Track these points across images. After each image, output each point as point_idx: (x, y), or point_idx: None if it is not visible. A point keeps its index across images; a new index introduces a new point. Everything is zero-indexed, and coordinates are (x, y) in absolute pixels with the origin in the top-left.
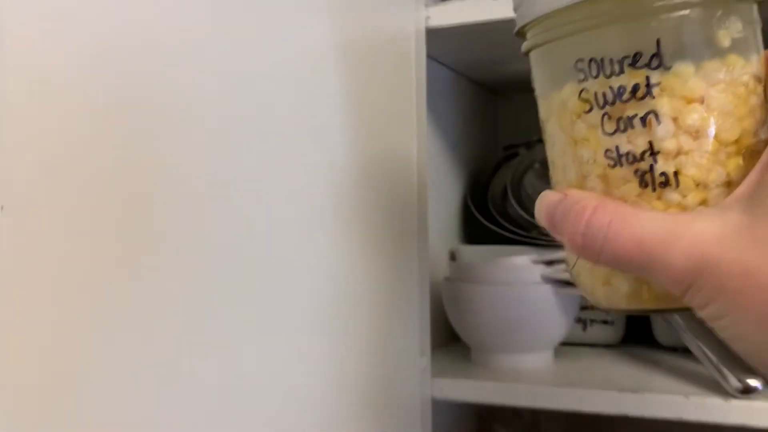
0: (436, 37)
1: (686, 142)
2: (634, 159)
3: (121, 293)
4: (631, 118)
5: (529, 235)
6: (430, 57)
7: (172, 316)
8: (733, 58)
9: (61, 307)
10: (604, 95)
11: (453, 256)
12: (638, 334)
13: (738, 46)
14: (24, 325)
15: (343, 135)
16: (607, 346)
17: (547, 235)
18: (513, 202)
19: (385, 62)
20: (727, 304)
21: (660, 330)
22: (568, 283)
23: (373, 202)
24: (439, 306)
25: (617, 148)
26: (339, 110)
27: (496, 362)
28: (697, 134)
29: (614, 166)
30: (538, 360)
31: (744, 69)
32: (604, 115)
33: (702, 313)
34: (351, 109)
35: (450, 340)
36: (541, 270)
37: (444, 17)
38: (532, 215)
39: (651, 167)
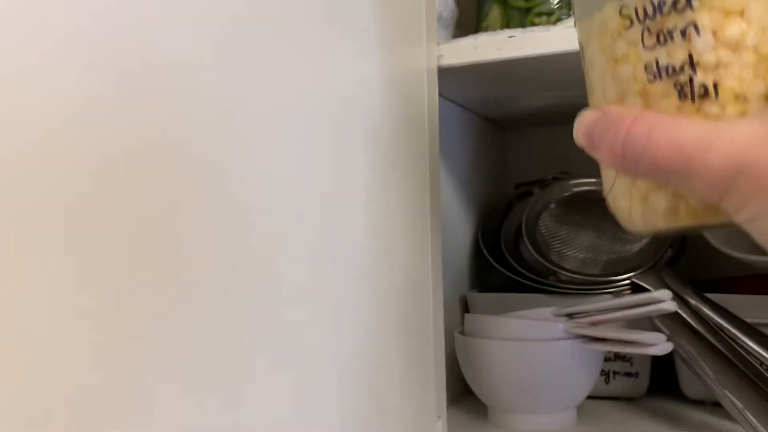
0: (448, 75)
1: (725, 54)
2: (674, 71)
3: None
4: (671, 31)
5: (546, 282)
6: (440, 95)
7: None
8: None
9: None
10: (644, 10)
11: (465, 304)
12: (663, 386)
13: None
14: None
15: (356, 175)
16: (630, 399)
17: (564, 281)
18: (528, 245)
19: (398, 102)
20: (764, 204)
21: (686, 381)
22: (592, 338)
23: (385, 253)
24: (451, 357)
25: (657, 61)
26: (350, 150)
27: (516, 423)
28: (736, 47)
29: (654, 80)
30: (561, 420)
31: None
32: (644, 30)
33: (739, 217)
34: (363, 149)
35: (464, 393)
36: (563, 324)
37: (456, 56)
38: (548, 260)
39: (690, 79)
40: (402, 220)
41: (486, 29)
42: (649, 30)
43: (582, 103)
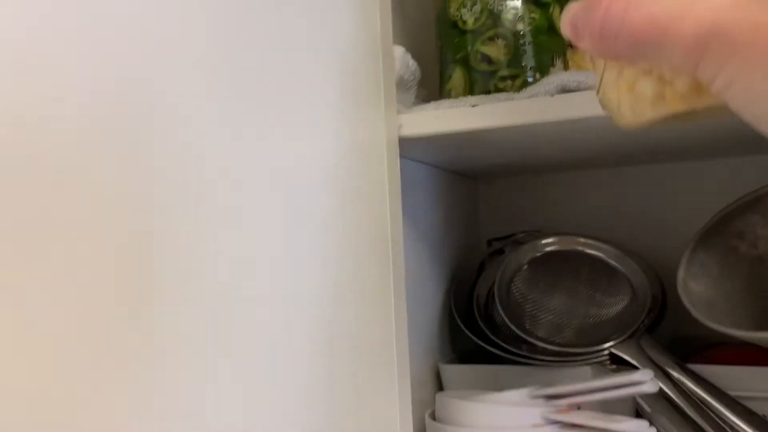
0: (410, 143)
1: None
2: None
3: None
4: None
5: (520, 353)
6: (404, 157)
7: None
8: None
9: None
10: None
11: (438, 377)
12: None
13: None
14: None
15: (314, 248)
16: None
17: (540, 351)
18: (501, 313)
19: (357, 172)
20: (738, 65)
21: None
22: (574, 426)
23: (347, 324)
24: None
25: None
26: (305, 220)
27: None
28: None
29: None
30: None
31: None
32: None
33: (715, 86)
34: (319, 220)
35: None
36: (540, 409)
37: (418, 126)
38: (523, 328)
39: None
40: (360, 293)
41: (449, 92)
42: None
43: (554, 156)
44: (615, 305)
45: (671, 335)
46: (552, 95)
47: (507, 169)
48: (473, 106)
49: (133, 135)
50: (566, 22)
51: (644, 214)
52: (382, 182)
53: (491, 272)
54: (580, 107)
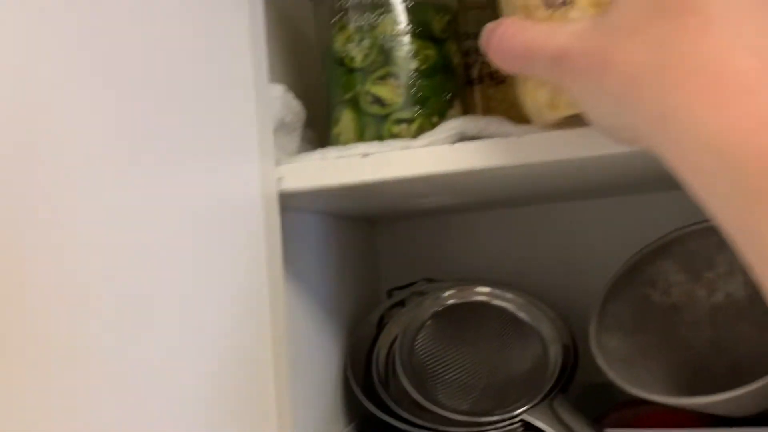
0: (293, 197)
1: None
2: None
3: None
4: None
5: (424, 424)
6: (287, 209)
7: None
8: None
9: None
10: None
11: None
12: None
13: None
14: None
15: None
16: None
17: (448, 421)
18: (404, 381)
19: (231, 231)
20: (581, 85)
21: None
22: None
23: (223, 397)
24: None
25: None
26: (172, 289)
27: None
28: None
29: None
30: None
31: None
32: None
33: (574, 98)
34: (188, 286)
35: None
36: None
37: (301, 179)
38: (427, 395)
39: None
40: (237, 361)
41: (338, 137)
42: None
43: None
44: (525, 360)
45: (588, 382)
46: (452, 143)
47: (407, 211)
48: (364, 156)
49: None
50: (482, 39)
51: (554, 254)
52: (258, 240)
53: (392, 328)
54: (482, 157)
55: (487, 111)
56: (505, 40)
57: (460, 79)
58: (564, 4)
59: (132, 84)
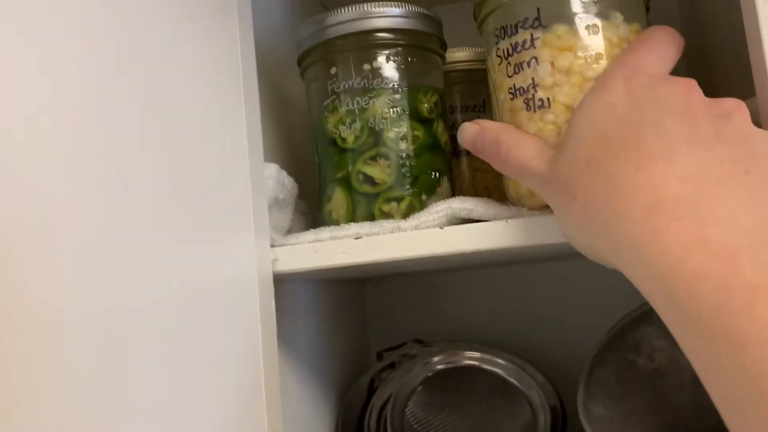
0: (286, 276)
1: (558, 78)
2: (524, 91)
3: None
4: (521, 63)
5: None
6: (279, 282)
7: None
8: (600, 22)
9: None
10: (507, 50)
11: None
12: None
13: (606, 14)
14: None
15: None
16: None
17: None
18: None
19: (229, 307)
20: (555, 206)
21: None
22: None
23: None
24: None
25: (514, 85)
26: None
27: None
28: (567, 72)
29: (513, 99)
30: None
31: (607, 29)
32: (507, 65)
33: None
34: (190, 360)
35: None
36: None
37: (294, 261)
38: None
39: (533, 96)
40: None
41: (330, 214)
42: (510, 64)
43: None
44: (515, 425)
45: None
46: (441, 227)
47: (394, 268)
48: (357, 238)
49: None
50: (467, 141)
51: (543, 312)
52: (253, 316)
53: (383, 392)
54: (470, 240)
55: (473, 181)
56: (502, 151)
57: (448, 156)
58: (542, 107)
59: (131, 160)
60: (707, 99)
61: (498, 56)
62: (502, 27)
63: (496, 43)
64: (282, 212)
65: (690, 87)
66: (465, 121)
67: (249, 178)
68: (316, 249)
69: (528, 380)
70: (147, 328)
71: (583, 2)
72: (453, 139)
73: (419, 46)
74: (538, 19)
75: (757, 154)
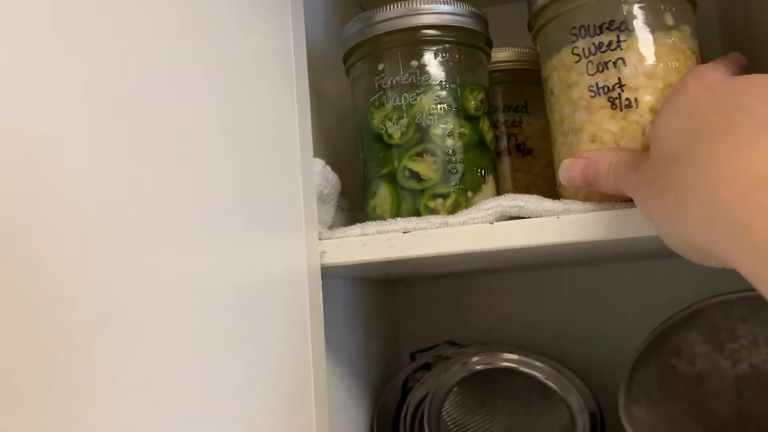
0: (332, 269)
1: (643, 81)
2: (608, 90)
3: None
4: (606, 63)
5: None
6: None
7: None
8: (676, 33)
9: None
10: (589, 49)
11: None
12: None
13: (679, 25)
14: None
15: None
16: None
17: None
18: None
19: (276, 301)
20: (650, 209)
21: None
22: None
23: None
24: None
25: (597, 84)
26: (220, 354)
27: None
28: (651, 76)
29: (594, 97)
30: None
31: (684, 40)
32: (588, 63)
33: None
34: (240, 354)
35: None
36: None
37: (342, 254)
38: None
39: (619, 95)
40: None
41: (374, 210)
42: (591, 63)
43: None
44: (552, 429)
45: None
46: (491, 223)
47: (427, 273)
48: (405, 232)
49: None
50: (576, 177)
51: (576, 317)
52: (303, 310)
53: (418, 392)
54: (521, 236)
55: (515, 180)
56: (609, 179)
57: (493, 154)
58: (629, 106)
59: (191, 154)
60: None
61: (575, 54)
62: (583, 26)
63: (573, 42)
64: (325, 207)
65: (766, 77)
66: (507, 120)
67: (300, 172)
68: (363, 242)
69: (566, 384)
70: (199, 319)
71: (662, 12)
72: (495, 139)
73: (466, 43)
74: (625, 22)
75: None
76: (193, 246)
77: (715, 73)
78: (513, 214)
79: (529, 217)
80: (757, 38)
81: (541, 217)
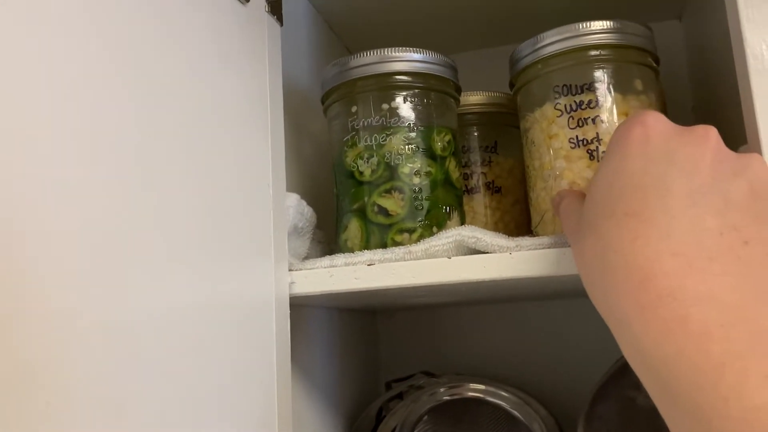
0: (301, 299)
1: None
2: (587, 143)
3: None
4: (585, 119)
5: None
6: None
7: None
8: (644, 97)
9: None
10: (570, 106)
11: None
12: None
13: (647, 91)
14: None
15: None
16: None
17: None
18: None
19: (245, 327)
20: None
21: None
22: None
23: None
24: None
25: (576, 136)
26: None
27: None
28: None
29: (573, 148)
30: None
31: (650, 104)
32: (569, 118)
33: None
34: (204, 377)
35: None
36: None
37: (310, 284)
38: None
39: (597, 148)
40: None
41: (345, 243)
42: (572, 118)
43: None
44: None
45: None
46: (450, 257)
47: (407, 304)
48: (369, 264)
49: None
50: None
51: (548, 349)
52: (269, 338)
53: (390, 421)
54: (476, 269)
55: (485, 217)
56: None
57: (459, 192)
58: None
59: (164, 185)
60: (723, 152)
61: (557, 109)
62: (566, 85)
63: (556, 98)
64: (300, 239)
65: (706, 138)
66: (478, 160)
67: (271, 206)
68: (330, 274)
69: (531, 413)
70: (167, 344)
71: (633, 79)
72: (466, 177)
73: (435, 89)
74: (603, 85)
75: (763, 219)
76: (163, 273)
77: (658, 123)
78: (470, 245)
79: (484, 251)
80: (726, 82)
81: (495, 252)
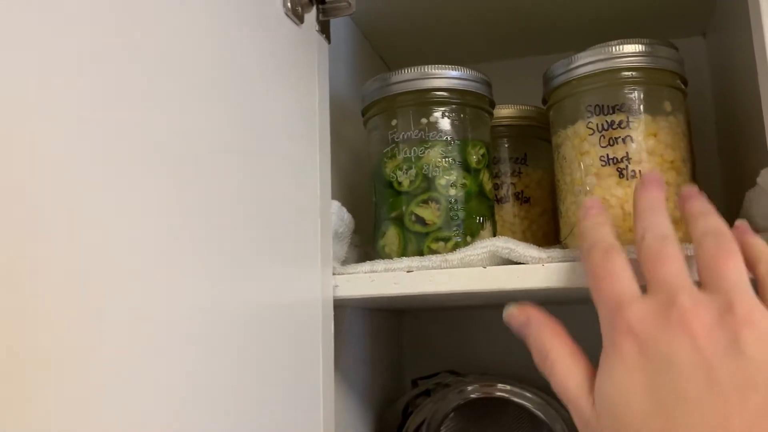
0: (343, 301)
1: (645, 155)
2: (617, 161)
3: None
4: (616, 138)
5: None
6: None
7: None
8: (672, 118)
9: None
10: (602, 125)
11: None
12: None
13: (675, 112)
14: None
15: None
16: None
17: None
18: None
19: (293, 328)
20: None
21: None
22: None
23: None
24: None
25: (607, 155)
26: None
27: None
28: (652, 152)
29: (604, 165)
30: None
31: (678, 125)
32: (600, 137)
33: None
34: (252, 384)
35: None
36: None
37: (353, 288)
38: None
39: (626, 166)
40: None
41: (383, 248)
42: (603, 137)
43: None
44: None
45: None
46: (485, 267)
47: (434, 305)
48: (408, 271)
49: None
50: (512, 326)
51: None
52: (315, 340)
53: (417, 417)
54: (510, 279)
55: (513, 225)
56: (548, 362)
57: (491, 202)
58: (634, 177)
59: (223, 194)
60: (709, 318)
61: (589, 128)
62: (598, 105)
63: (588, 117)
64: (340, 244)
65: (686, 319)
66: (508, 171)
67: (318, 215)
68: (372, 279)
69: (554, 414)
70: (220, 345)
71: (663, 100)
72: (497, 187)
73: (471, 104)
74: (634, 106)
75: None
76: (221, 276)
77: (638, 315)
78: (504, 255)
79: (517, 261)
80: (749, 101)
81: (528, 263)
